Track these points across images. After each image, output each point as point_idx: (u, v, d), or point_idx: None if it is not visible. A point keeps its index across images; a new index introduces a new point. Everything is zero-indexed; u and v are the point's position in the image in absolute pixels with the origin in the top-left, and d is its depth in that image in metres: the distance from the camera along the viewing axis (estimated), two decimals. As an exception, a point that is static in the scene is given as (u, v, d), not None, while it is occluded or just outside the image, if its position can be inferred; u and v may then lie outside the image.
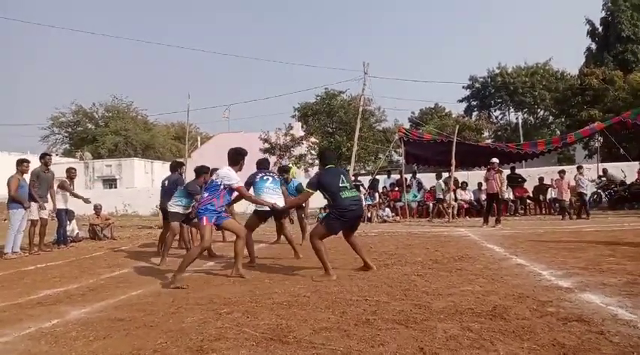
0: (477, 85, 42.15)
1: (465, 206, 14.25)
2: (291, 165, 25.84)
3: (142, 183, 29.73)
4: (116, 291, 4.60)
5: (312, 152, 27.06)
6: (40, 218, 8.29)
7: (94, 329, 3.24)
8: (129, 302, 4.10)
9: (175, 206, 6.53)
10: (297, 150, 25.61)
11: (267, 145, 24.64)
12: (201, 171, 6.60)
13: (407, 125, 33.35)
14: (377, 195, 14.47)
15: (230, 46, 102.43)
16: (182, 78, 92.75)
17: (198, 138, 39.58)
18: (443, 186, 14.55)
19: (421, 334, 2.86)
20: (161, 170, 30.43)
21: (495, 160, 11.02)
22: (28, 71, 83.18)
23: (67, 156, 37.17)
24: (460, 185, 14.57)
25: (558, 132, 34.35)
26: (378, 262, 5.79)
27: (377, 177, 16.43)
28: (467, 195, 14.50)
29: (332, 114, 34.35)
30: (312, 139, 27.79)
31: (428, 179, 16.02)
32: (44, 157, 8.62)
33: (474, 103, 43.14)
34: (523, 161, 16.76)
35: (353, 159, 27.01)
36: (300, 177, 26.04)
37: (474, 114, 41.91)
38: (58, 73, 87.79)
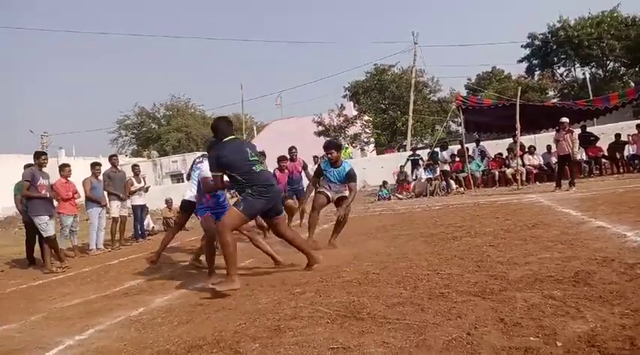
0: (537, 43, 39.47)
1: (535, 171, 13.55)
2: (346, 145, 25.85)
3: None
4: (193, 279, 4.83)
5: (367, 130, 26.81)
6: (120, 215, 8.87)
7: (176, 314, 3.42)
8: (206, 289, 4.28)
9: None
10: (352, 130, 25.44)
11: (320, 128, 24.66)
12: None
13: (464, 93, 32.04)
14: (437, 167, 14.10)
15: (275, 33, 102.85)
16: (233, 70, 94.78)
17: (254, 128, 40.44)
18: (446, 156, 13.98)
19: (500, 305, 2.76)
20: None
21: (565, 120, 10.32)
22: (93, 77, 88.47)
23: (135, 156, 39.34)
24: (528, 149, 13.86)
25: (632, 83, 31.56)
26: (446, 235, 5.67)
27: (436, 149, 15.99)
28: (535, 160, 13.77)
29: (383, 89, 33.80)
30: (366, 117, 27.49)
31: (491, 147, 15.36)
32: (111, 159, 9.25)
33: (535, 62, 40.51)
34: (594, 118, 15.55)
35: (409, 134, 26.59)
36: (357, 156, 25.98)
37: (536, 73, 39.48)
38: (120, 76, 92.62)
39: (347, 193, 5.66)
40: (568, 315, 2.45)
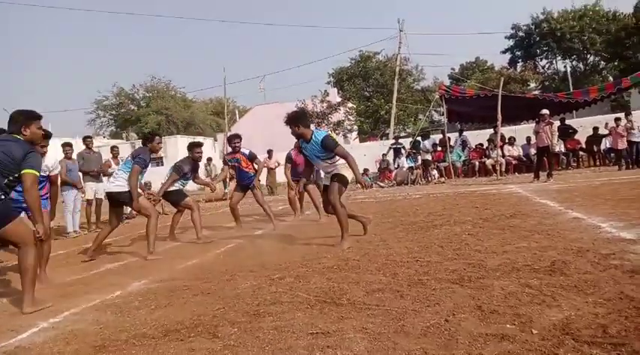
0: (520, 34, 39.87)
1: (514, 162, 13.78)
2: (329, 131, 25.71)
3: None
4: (172, 262, 4.78)
5: (350, 118, 26.76)
6: (96, 198, 8.70)
7: (154, 298, 3.38)
8: (185, 272, 4.25)
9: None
10: (335, 117, 25.36)
11: (303, 114, 24.52)
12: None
13: (447, 82, 32.22)
14: (419, 156, 14.21)
15: (258, 15, 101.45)
16: (216, 52, 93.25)
17: (237, 112, 40.00)
18: (427, 146, 14.11)
19: (477, 292, 2.80)
20: (204, 146, 31.09)
21: (545, 111, 10.48)
22: (70, 56, 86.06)
23: (114, 137, 38.58)
24: (508, 140, 14.05)
25: (611, 78, 32.18)
26: (426, 223, 5.72)
27: (418, 138, 16.10)
28: (515, 151, 13.99)
29: (368, 77, 33.81)
30: (349, 104, 27.43)
31: (472, 137, 15.53)
32: (85, 140, 9.04)
33: (518, 54, 40.93)
34: (574, 111, 15.85)
35: (392, 122, 26.69)
36: (340, 143, 25.92)
37: (519, 65, 39.87)
38: (98, 55, 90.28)
39: (336, 169, 4.86)
40: (544, 304, 2.50)
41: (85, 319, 3.05)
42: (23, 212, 4.02)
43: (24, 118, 3.56)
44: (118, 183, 5.23)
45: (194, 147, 6.39)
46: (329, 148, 4.61)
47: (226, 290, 3.40)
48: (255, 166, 6.87)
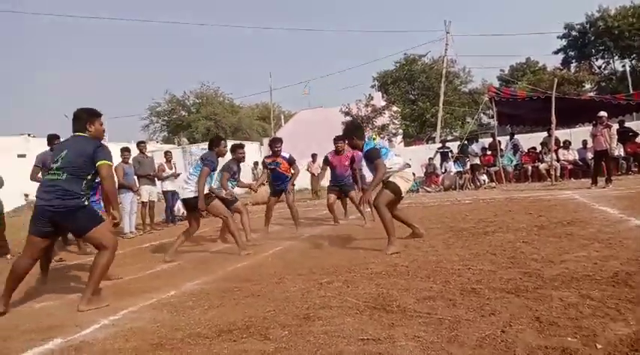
0: (574, 33, 38.13)
1: (570, 167, 13.15)
2: (374, 135, 25.58)
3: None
4: (224, 263, 4.89)
5: (395, 121, 26.49)
6: (150, 200, 9.08)
7: (207, 299, 3.48)
8: (236, 274, 4.35)
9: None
10: (380, 121, 25.19)
11: (348, 118, 24.51)
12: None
13: (496, 84, 31.26)
14: (467, 161, 13.85)
15: (304, 21, 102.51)
16: (263, 58, 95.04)
17: (282, 117, 40.55)
18: (476, 150, 13.60)
19: (535, 303, 2.69)
20: (250, 150, 31.67)
21: (603, 114, 9.94)
22: (125, 64, 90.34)
23: (166, 142, 40.04)
24: (563, 144, 13.44)
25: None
26: (477, 229, 5.57)
27: (466, 142, 15.70)
28: (570, 155, 13.35)
29: (413, 80, 33.33)
30: (394, 108, 27.15)
31: (524, 140, 14.96)
32: (139, 145, 9.46)
33: (572, 54, 39.20)
34: (634, 113, 14.95)
35: (439, 126, 26.17)
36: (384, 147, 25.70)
37: (573, 65, 38.18)
38: (152, 63, 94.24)
39: (391, 176, 4.90)
40: (608, 317, 2.37)
41: (142, 317, 3.18)
42: None
43: (87, 115, 3.79)
44: (192, 188, 5.41)
45: (237, 148, 6.49)
46: (369, 159, 4.91)
47: (276, 293, 3.45)
48: (293, 170, 7.04)
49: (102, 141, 3.85)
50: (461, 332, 2.33)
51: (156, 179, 9.39)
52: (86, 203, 3.60)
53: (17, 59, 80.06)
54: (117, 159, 8.53)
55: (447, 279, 3.38)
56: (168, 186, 9.65)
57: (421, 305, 2.82)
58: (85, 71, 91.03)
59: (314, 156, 15.51)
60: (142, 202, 9.04)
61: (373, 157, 4.82)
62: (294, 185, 7.27)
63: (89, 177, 3.62)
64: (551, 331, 2.26)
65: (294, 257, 4.93)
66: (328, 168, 7.49)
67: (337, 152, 7.35)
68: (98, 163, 3.58)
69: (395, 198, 4.93)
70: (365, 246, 5.11)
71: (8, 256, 6.89)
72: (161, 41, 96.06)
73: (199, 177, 5.33)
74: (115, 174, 3.88)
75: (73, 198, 3.51)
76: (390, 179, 4.90)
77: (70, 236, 7.31)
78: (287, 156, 7.00)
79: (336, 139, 7.35)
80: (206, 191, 5.43)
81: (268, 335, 2.54)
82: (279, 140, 7.18)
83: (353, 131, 5.19)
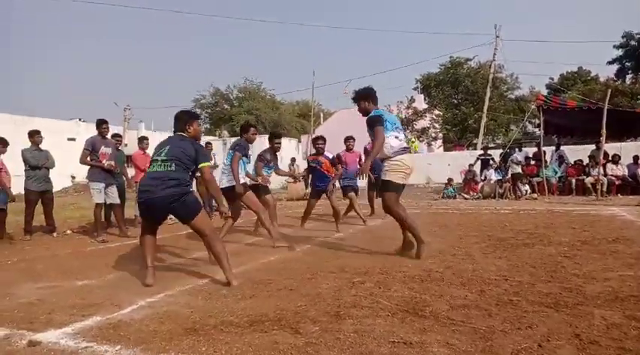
0: (632, 43, 36.26)
1: (617, 182, 12.55)
2: (413, 139, 25.28)
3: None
4: (256, 256, 4.96)
5: (436, 125, 26.09)
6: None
7: (240, 289, 3.53)
8: (268, 266, 4.40)
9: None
10: (420, 124, 24.87)
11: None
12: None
13: (544, 92, 30.20)
14: (509, 169, 13.45)
15: (351, 20, 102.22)
16: (306, 56, 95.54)
17: (321, 115, 40.64)
18: (519, 158, 13.08)
19: (575, 319, 2.59)
20: (288, 145, 31.92)
21: (659, 129, 9.44)
22: (174, 56, 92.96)
23: (207, 134, 40.97)
24: (612, 158, 12.85)
25: None
26: (516, 240, 5.41)
27: (509, 150, 15.26)
28: (619, 170, 12.75)
29: (457, 83, 32.67)
30: (436, 112, 26.75)
31: (571, 152, 14.40)
32: None
33: (628, 64, 37.27)
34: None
35: (481, 132, 25.55)
36: (423, 151, 25.36)
37: (628, 77, 36.30)
38: (199, 56, 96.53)
39: (385, 173, 4.58)
40: (655, 340, 2.25)
41: (177, 301, 3.27)
42: None
43: (187, 117, 4.08)
44: (229, 177, 5.54)
45: (274, 137, 6.51)
46: (370, 125, 4.46)
47: (308, 288, 3.47)
48: (336, 171, 6.98)
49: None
50: (495, 343, 2.27)
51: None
52: (192, 190, 3.89)
53: (71, 48, 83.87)
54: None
55: (483, 289, 3.30)
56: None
57: (455, 313, 2.77)
58: (133, 61, 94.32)
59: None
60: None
61: (374, 124, 4.41)
62: (334, 186, 7.18)
63: (191, 171, 3.90)
64: (591, 350, 2.17)
65: (326, 254, 4.94)
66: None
67: (348, 149, 7.96)
68: (200, 165, 3.89)
69: (399, 195, 4.52)
70: (399, 249, 5.05)
71: (54, 234, 7.25)
72: (208, 35, 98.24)
73: (231, 162, 5.49)
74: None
75: (182, 186, 3.76)
76: (386, 178, 4.47)
77: (112, 219, 7.61)
78: (330, 156, 6.94)
79: (347, 138, 8.01)
80: (242, 180, 5.52)
81: (299, 330, 2.56)
82: (322, 138, 7.13)
83: (367, 95, 4.65)
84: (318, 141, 6.99)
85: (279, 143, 6.53)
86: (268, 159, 6.41)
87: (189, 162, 3.84)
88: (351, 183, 7.63)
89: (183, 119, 4.01)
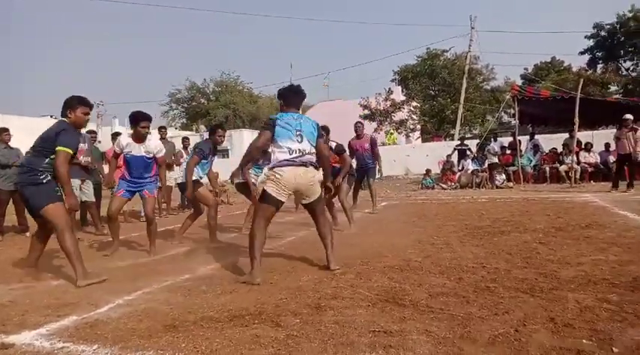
0: (602, 34, 37.13)
1: (590, 169, 12.89)
2: (392, 130, 25.41)
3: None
4: (238, 250, 4.92)
5: (414, 117, 26.26)
6: (167, 185, 9.16)
7: (220, 284, 3.51)
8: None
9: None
10: (398, 116, 25.01)
11: (366, 111, 24.38)
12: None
13: (519, 82, 30.71)
14: (486, 159, 13.67)
15: (327, 12, 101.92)
16: (283, 49, 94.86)
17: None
18: (496, 148, 13.40)
19: (550, 303, 2.66)
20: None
21: (629, 116, 9.72)
22: (147, 51, 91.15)
23: (184, 129, 40.41)
24: (584, 146, 13.18)
25: None
26: (493, 228, 5.51)
27: (485, 140, 15.50)
28: (592, 158, 13.09)
29: (434, 75, 32.92)
30: (414, 103, 26.91)
31: (545, 141, 14.70)
32: (160, 130, 9.55)
33: (599, 54, 38.17)
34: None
35: (458, 123, 25.87)
36: (401, 142, 25.55)
37: (599, 66, 37.21)
38: (173, 50, 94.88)
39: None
40: (626, 321, 2.33)
41: (156, 298, 3.22)
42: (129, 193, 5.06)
43: (74, 103, 3.86)
44: (183, 174, 5.62)
45: (218, 128, 5.80)
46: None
47: (288, 282, 3.47)
48: (341, 162, 6.18)
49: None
50: (473, 329, 2.31)
51: (174, 165, 9.46)
52: (45, 178, 3.72)
53: (43, 42, 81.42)
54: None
55: (461, 276, 3.35)
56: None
57: (434, 301, 2.80)
58: (107, 56, 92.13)
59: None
60: (159, 187, 9.12)
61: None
62: (343, 178, 6.19)
63: (52, 157, 3.69)
64: (565, 332, 2.23)
65: (307, 247, 4.93)
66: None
67: (358, 136, 7.78)
68: (57, 148, 3.65)
69: (272, 209, 3.71)
70: (379, 240, 5.09)
71: (27, 234, 7.05)
72: (183, 28, 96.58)
73: (187, 164, 5.44)
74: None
75: (32, 172, 3.69)
76: (264, 187, 3.73)
77: (88, 217, 7.45)
78: (333, 145, 6.10)
79: (357, 123, 7.93)
80: (195, 177, 5.49)
81: (280, 323, 2.56)
82: (325, 128, 6.05)
83: (279, 95, 4.01)
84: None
85: (222, 136, 5.79)
86: (206, 152, 5.62)
87: (43, 147, 3.69)
88: (369, 164, 7.76)
89: (67, 104, 3.84)
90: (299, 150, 3.66)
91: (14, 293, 3.53)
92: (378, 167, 8.00)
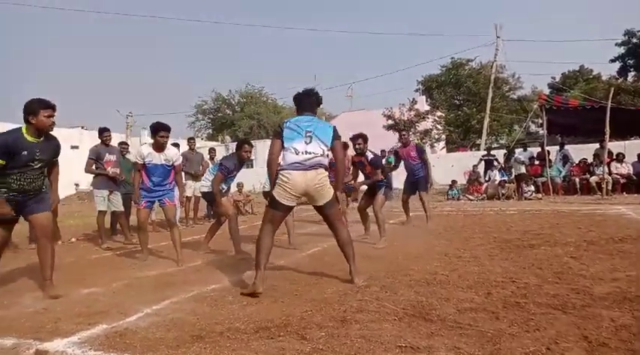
0: (634, 41, 36.17)
1: (622, 181, 12.49)
2: (416, 140, 25.19)
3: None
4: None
5: (438, 127, 26.03)
6: (194, 195, 9.32)
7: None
8: (274, 273, 4.38)
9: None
10: (422, 126, 24.81)
11: (390, 122, 24.27)
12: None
13: (547, 92, 30.12)
14: (513, 170, 13.40)
15: (352, 23, 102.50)
16: (307, 59, 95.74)
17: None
18: (522, 158, 13.01)
19: (583, 321, 2.57)
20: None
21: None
22: (172, 64, 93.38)
23: (210, 140, 41.05)
24: (616, 157, 12.79)
25: None
26: (522, 241, 5.39)
27: (511, 150, 15.20)
28: (624, 169, 12.69)
29: (459, 85, 32.68)
30: (438, 113, 26.69)
31: (575, 151, 14.33)
32: (189, 141, 9.74)
33: (630, 62, 37.17)
34: (699, 127, 14.06)
35: (484, 132, 25.52)
36: (427, 152, 25.32)
37: (631, 74, 36.19)
38: (199, 62, 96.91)
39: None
40: (665, 341, 2.23)
41: (183, 308, 3.26)
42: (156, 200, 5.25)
43: (34, 106, 3.66)
44: (205, 184, 5.76)
45: (244, 144, 5.73)
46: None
47: (313, 293, 3.46)
48: (376, 176, 5.98)
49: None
50: (504, 347, 2.25)
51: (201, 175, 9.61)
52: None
53: (72, 55, 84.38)
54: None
55: (490, 291, 3.28)
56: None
57: (462, 316, 2.75)
58: (135, 68, 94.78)
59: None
60: (187, 197, 9.28)
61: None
62: (375, 188, 6.09)
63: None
64: (600, 352, 2.16)
65: (331, 259, 4.91)
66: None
67: (404, 145, 7.51)
68: None
69: (278, 214, 3.72)
70: (405, 252, 5.04)
71: (59, 242, 7.25)
72: (209, 40, 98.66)
73: (213, 182, 5.53)
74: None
75: None
76: (272, 191, 3.71)
77: (117, 226, 7.63)
78: (370, 156, 5.93)
79: (401, 130, 7.65)
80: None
81: (305, 335, 2.55)
82: (360, 136, 6.00)
83: (294, 100, 4.00)
84: (355, 140, 5.94)
85: (249, 152, 5.71)
86: (230, 169, 5.61)
87: None
88: (418, 175, 7.34)
89: (28, 109, 3.65)
90: (306, 151, 3.59)
91: (47, 301, 3.63)
92: (427, 176, 7.38)
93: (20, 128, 3.69)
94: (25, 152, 3.63)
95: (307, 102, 3.89)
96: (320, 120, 3.94)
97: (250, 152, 5.73)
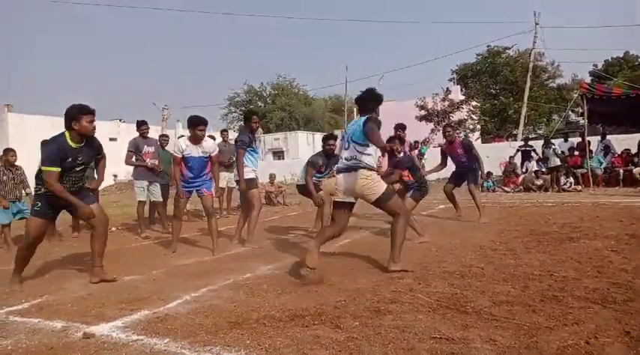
0: (684, 25, 34.24)
1: (668, 172, 11.92)
2: (462, 135, 24.69)
3: (305, 153, 31.73)
4: (295, 251, 5.02)
5: (473, 117, 25.44)
6: (227, 186, 9.49)
7: (280, 284, 3.60)
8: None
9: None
10: (457, 116, 24.30)
11: (423, 112, 23.87)
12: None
13: (588, 80, 28.94)
14: (552, 161, 12.98)
15: (384, 12, 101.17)
16: (339, 49, 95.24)
17: (354, 110, 40.45)
18: (559, 150, 12.45)
19: (624, 316, 2.51)
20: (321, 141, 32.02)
21: None
22: (209, 54, 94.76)
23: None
24: (661, 147, 12.22)
25: None
26: (560, 234, 5.25)
27: (552, 140, 14.71)
28: (671, 160, 12.10)
29: (495, 73, 31.82)
30: (473, 103, 26.06)
31: (617, 142, 13.76)
32: (222, 133, 9.92)
33: (680, 47, 35.26)
34: None
35: (521, 122, 24.83)
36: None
37: (680, 60, 34.34)
38: (232, 54, 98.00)
39: None
40: None
41: (220, 296, 3.36)
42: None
43: (74, 112, 3.76)
44: (236, 172, 5.72)
45: (327, 139, 6.16)
46: None
47: (346, 284, 3.50)
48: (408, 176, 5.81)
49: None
50: (540, 340, 2.23)
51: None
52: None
53: (110, 50, 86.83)
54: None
55: (527, 284, 3.23)
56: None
57: (498, 309, 2.73)
58: (170, 61, 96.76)
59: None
60: (220, 188, 9.46)
61: None
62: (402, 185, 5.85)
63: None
64: (643, 348, 2.10)
65: (365, 249, 4.94)
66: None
67: (450, 142, 7.13)
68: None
69: (335, 211, 4.08)
70: (438, 243, 5.01)
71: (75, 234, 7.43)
72: (242, 33, 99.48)
73: (236, 160, 5.54)
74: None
75: None
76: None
77: (155, 215, 7.87)
78: (400, 155, 5.78)
79: (445, 126, 7.36)
80: (251, 175, 5.53)
81: (339, 324, 2.59)
82: (397, 135, 6.08)
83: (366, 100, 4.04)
84: (391, 141, 5.55)
85: (332, 145, 6.06)
86: (320, 164, 6.02)
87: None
88: (467, 166, 7.06)
89: (69, 115, 3.74)
90: (345, 157, 3.92)
91: (92, 288, 3.81)
92: (479, 170, 7.14)
93: (63, 133, 3.81)
94: (70, 158, 3.78)
95: (360, 104, 4.11)
96: (361, 119, 3.91)
97: (258, 123, 5.97)
